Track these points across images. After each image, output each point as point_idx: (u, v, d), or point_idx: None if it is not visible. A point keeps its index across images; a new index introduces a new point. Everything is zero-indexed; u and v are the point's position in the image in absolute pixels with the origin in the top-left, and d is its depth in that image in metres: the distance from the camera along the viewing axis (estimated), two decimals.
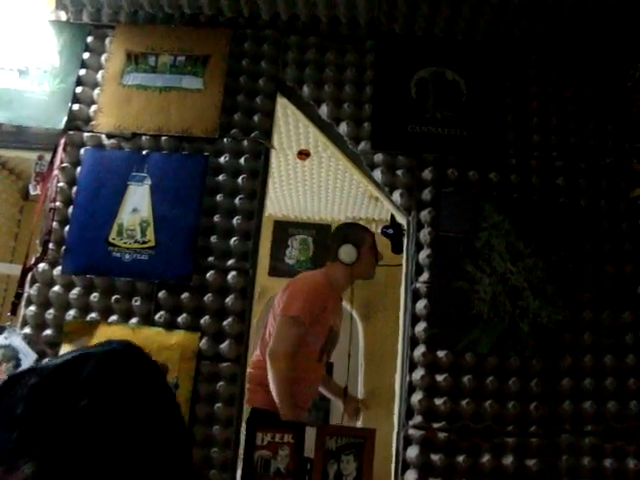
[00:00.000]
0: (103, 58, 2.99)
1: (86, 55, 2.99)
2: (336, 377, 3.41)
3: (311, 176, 4.05)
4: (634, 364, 2.66)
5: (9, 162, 4.65)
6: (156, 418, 0.85)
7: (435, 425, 2.57)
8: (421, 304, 2.67)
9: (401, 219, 2.89)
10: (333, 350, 3.20)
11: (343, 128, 2.86)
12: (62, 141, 2.87)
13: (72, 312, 2.69)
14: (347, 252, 3.09)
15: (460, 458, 2.54)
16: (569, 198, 2.83)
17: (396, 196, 2.81)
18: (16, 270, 3.37)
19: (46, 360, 2.51)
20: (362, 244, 3.14)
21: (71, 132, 2.89)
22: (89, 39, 3.01)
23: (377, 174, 2.83)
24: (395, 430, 2.64)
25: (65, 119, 2.90)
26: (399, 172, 2.81)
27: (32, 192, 2.93)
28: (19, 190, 4.90)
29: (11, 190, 4.83)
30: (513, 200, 2.79)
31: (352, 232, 3.21)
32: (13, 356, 2.65)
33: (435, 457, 2.53)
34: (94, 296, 2.69)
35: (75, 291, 2.70)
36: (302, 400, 2.98)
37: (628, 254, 2.78)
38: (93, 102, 2.94)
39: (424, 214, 2.78)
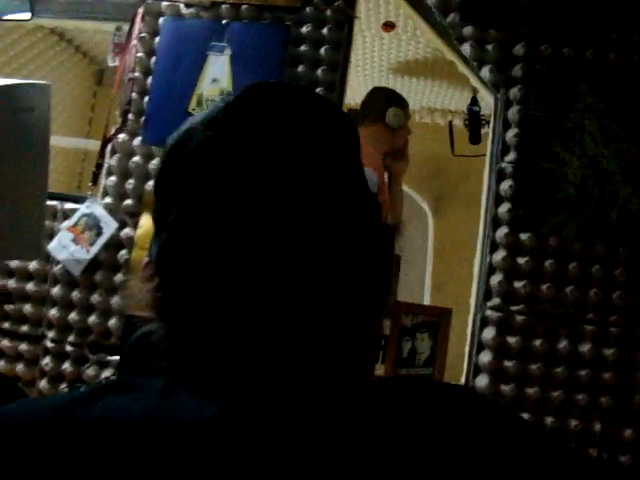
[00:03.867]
0: None
1: None
2: (403, 270, 3.38)
3: (389, 60, 3.91)
4: None
5: (83, 45, 4.62)
6: None
7: (513, 308, 2.53)
8: (506, 184, 2.58)
9: (488, 97, 2.77)
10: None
11: None
12: (140, 10, 2.82)
13: (152, 182, 2.70)
14: (397, 115, 2.92)
15: (537, 342, 2.51)
16: None
17: (485, 72, 2.67)
18: (92, 146, 3.42)
19: None
20: (407, 111, 3.00)
21: (149, 1, 2.83)
22: None
23: (465, 48, 2.68)
24: (472, 311, 2.61)
25: None
26: (489, 47, 2.66)
27: (110, 63, 2.90)
28: (93, 74, 4.90)
29: (85, 74, 4.83)
30: (610, 80, 2.62)
31: (398, 97, 3.05)
32: (95, 224, 2.70)
33: (511, 340, 2.51)
34: None
35: (155, 161, 2.70)
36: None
37: None
38: None
39: (514, 91, 2.64)
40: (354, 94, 4.49)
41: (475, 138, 3.20)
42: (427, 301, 4.48)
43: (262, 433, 0.54)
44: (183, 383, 0.58)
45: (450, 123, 3.66)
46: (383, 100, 3.01)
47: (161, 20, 2.81)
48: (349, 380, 0.62)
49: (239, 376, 0.58)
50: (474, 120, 3.12)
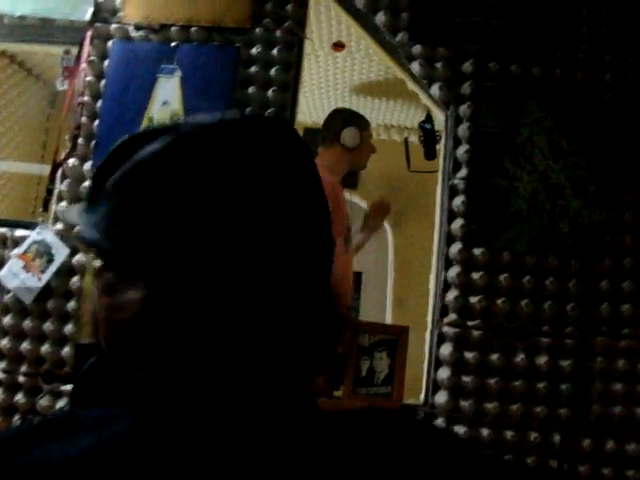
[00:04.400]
0: None
1: None
2: (365, 286, 3.40)
3: (343, 80, 3.94)
4: None
5: (35, 68, 4.56)
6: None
7: (470, 323, 2.54)
8: (458, 200, 2.60)
9: (439, 114, 2.80)
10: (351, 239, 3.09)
11: (380, 18, 2.73)
12: (89, 34, 2.79)
13: None
14: (352, 135, 2.95)
15: (494, 356, 2.52)
16: (616, 95, 2.69)
17: (434, 90, 2.70)
18: (46, 171, 3.36)
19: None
20: (364, 130, 3.02)
21: (98, 24, 2.81)
22: None
23: (415, 66, 2.71)
24: (429, 328, 2.62)
25: (91, 10, 2.81)
26: (438, 64, 2.70)
27: (59, 87, 2.87)
28: (46, 97, 4.83)
29: (38, 97, 4.77)
30: (557, 95, 2.67)
31: (355, 116, 3.08)
32: (46, 251, 2.65)
33: (469, 355, 2.52)
34: None
35: None
36: (345, 297, 2.93)
37: None
38: None
39: (463, 108, 2.67)
40: (313, 113, 4.53)
41: (430, 154, 3.24)
42: (389, 316, 4.49)
43: (185, 461, 0.55)
44: (127, 415, 0.58)
45: (406, 140, 3.69)
46: (339, 121, 3.04)
47: (110, 43, 2.79)
48: (283, 412, 0.62)
49: (174, 406, 0.59)
50: (429, 136, 3.15)
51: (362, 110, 4.36)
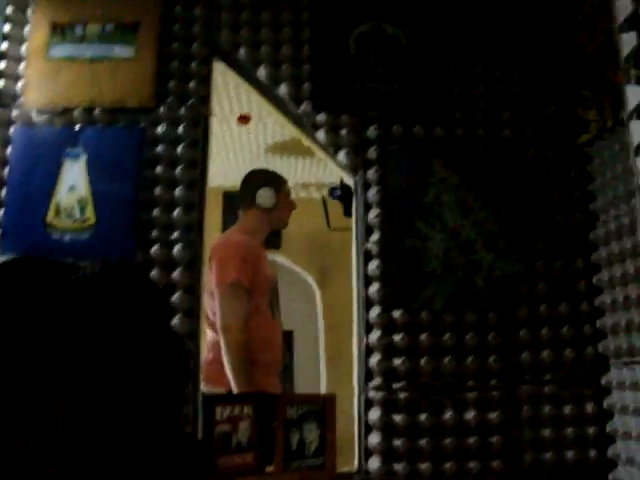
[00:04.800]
0: (26, 30, 2.83)
1: (7, 27, 2.83)
2: (297, 344, 3.38)
3: (257, 143, 3.96)
4: (588, 310, 2.67)
5: None
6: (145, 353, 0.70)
7: (395, 385, 2.55)
8: (373, 264, 2.63)
9: (349, 180, 2.83)
10: (279, 302, 3.08)
11: (283, 89, 2.77)
12: None
13: None
14: (266, 195, 2.96)
15: (422, 417, 2.53)
16: (516, 149, 2.80)
17: (341, 156, 2.74)
18: None
19: None
20: (280, 188, 3.02)
21: None
22: (9, 10, 2.85)
23: (320, 135, 2.75)
24: (356, 393, 2.61)
25: None
26: (343, 132, 2.74)
27: None
28: None
29: None
30: (460, 154, 2.75)
31: (269, 176, 3.09)
32: None
33: (397, 417, 2.52)
34: None
35: None
36: (273, 364, 2.90)
37: (577, 201, 2.77)
38: (19, 77, 2.79)
39: (371, 173, 2.72)
40: (230, 177, 4.53)
41: (349, 211, 3.25)
42: (323, 373, 4.46)
43: None
44: None
45: (323, 198, 3.72)
46: (252, 184, 3.04)
47: (12, 129, 2.73)
48: None
49: None
50: (346, 193, 3.17)
51: (279, 169, 4.38)
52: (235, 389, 2.71)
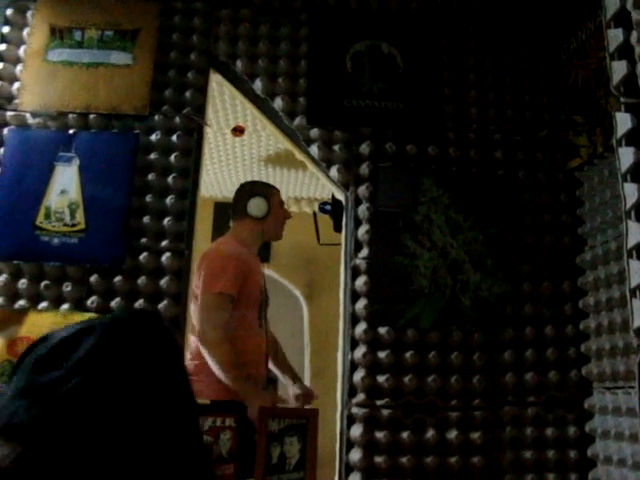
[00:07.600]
0: (25, 33, 2.84)
1: (6, 29, 2.84)
2: None
3: (250, 155, 3.97)
4: (574, 334, 2.68)
5: None
6: (163, 397, 0.77)
7: (378, 402, 2.54)
8: (361, 280, 2.64)
9: (340, 195, 2.84)
10: (267, 312, 3.05)
11: (278, 103, 2.79)
12: None
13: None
14: (257, 205, 2.92)
15: (404, 434, 2.52)
16: (507, 171, 2.83)
17: (333, 172, 2.76)
18: None
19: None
20: (272, 197, 2.99)
21: None
22: (8, 12, 2.86)
23: (314, 149, 2.77)
24: (338, 409, 2.60)
25: None
26: (336, 147, 2.76)
27: None
28: None
29: None
30: (451, 173, 2.77)
31: (260, 186, 3.07)
32: None
33: (379, 434, 2.51)
34: (22, 283, 2.57)
35: (2, 278, 2.57)
36: (257, 376, 2.86)
37: (566, 225, 2.79)
38: (16, 79, 2.79)
39: (362, 189, 2.73)
40: (223, 188, 4.54)
41: (339, 226, 3.26)
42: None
43: None
44: None
45: (314, 213, 3.72)
46: (244, 194, 3.03)
47: (6, 130, 2.73)
48: None
49: None
50: (337, 209, 3.18)
51: (272, 182, 4.41)
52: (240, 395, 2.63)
